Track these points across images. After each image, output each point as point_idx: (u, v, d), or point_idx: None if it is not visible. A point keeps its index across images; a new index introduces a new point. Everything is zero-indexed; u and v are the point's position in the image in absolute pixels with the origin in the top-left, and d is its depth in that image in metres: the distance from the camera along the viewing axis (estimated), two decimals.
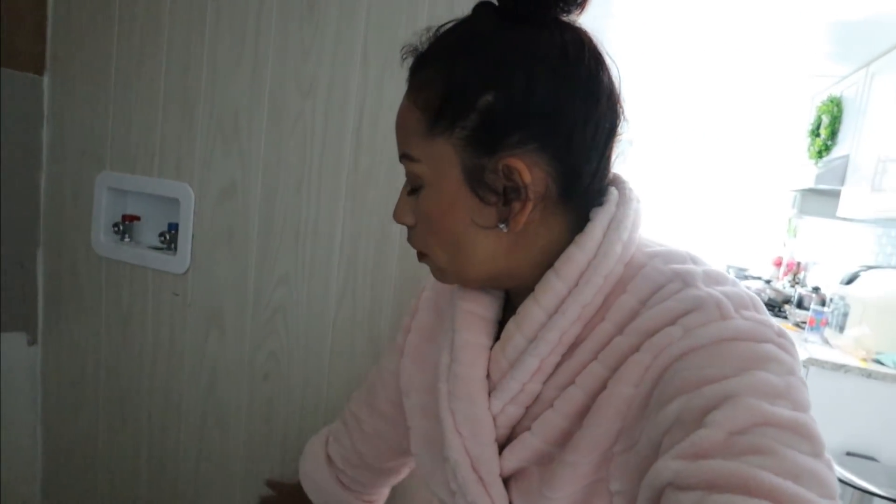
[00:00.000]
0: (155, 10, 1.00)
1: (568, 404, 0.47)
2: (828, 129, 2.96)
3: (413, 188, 0.50)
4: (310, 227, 0.93)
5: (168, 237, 1.05)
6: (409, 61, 0.50)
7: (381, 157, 0.87)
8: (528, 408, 0.51)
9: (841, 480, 1.79)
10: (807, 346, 2.23)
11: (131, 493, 1.14)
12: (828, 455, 0.35)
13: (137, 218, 1.11)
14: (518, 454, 0.50)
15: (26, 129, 1.12)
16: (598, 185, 0.50)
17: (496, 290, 0.56)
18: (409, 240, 0.53)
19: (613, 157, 0.50)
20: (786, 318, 2.85)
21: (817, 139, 3.07)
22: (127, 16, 1.03)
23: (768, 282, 3.56)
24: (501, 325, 0.55)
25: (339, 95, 0.88)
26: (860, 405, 2.01)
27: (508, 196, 0.46)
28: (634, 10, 2.42)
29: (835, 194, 2.86)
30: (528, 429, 0.49)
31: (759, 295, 3.11)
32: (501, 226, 0.47)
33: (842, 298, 2.35)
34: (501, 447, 0.52)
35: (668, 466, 0.35)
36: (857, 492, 1.76)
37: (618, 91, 0.48)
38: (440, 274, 0.53)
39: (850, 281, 2.35)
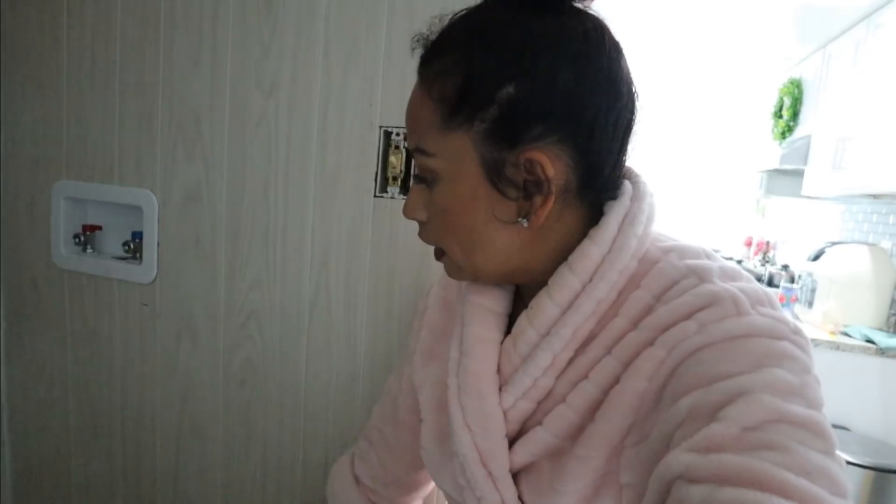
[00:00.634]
0: (105, 8, 0.96)
1: (580, 399, 0.47)
2: (790, 110, 3.04)
3: (427, 182, 0.49)
4: (279, 229, 0.91)
5: (132, 246, 1.02)
6: (419, 52, 0.49)
7: (349, 155, 0.86)
8: (539, 403, 0.50)
9: None
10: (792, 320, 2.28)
11: None
12: (839, 454, 0.35)
13: (99, 227, 1.07)
14: (529, 448, 0.50)
15: None
16: (616, 179, 0.49)
17: (507, 285, 0.56)
18: (422, 235, 0.52)
19: (630, 149, 0.49)
20: None
21: (780, 121, 3.14)
22: (76, 16, 0.98)
23: (740, 262, 3.64)
24: (511, 318, 0.55)
25: (302, 94, 0.86)
26: (830, 377, 2.07)
27: (529, 190, 0.45)
28: None
29: (799, 174, 2.94)
30: (540, 423, 0.49)
31: (743, 271, 3.19)
32: (522, 220, 0.46)
33: (809, 275, 2.41)
34: (512, 441, 0.51)
35: (680, 459, 0.34)
36: None
37: (635, 82, 0.47)
38: (457, 271, 0.52)
39: (816, 257, 2.42)
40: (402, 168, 0.83)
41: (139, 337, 1.03)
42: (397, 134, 0.83)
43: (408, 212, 0.51)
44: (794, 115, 3.03)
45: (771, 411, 0.34)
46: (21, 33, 1.03)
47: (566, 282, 0.47)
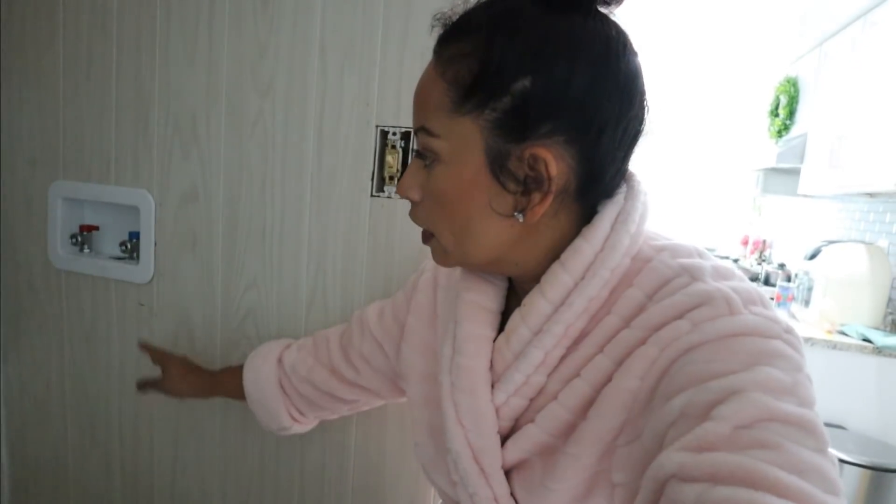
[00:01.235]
0: (101, 10, 0.96)
1: (573, 397, 0.47)
2: (786, 108, 3.05)
3: (427, 163, 0.48)
4: (276, 228, 0.91)
5: (129, 246, 1.02)
6: (437, 30, 0.48)
7: (345, 155, 0.86)
8: (532, 400, 0.51)
9: None
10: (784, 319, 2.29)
11: None
12: (831, 452, 0.35)
13: (96, 228, 1.07)
14: (521, 446, 0.50)
15: None
16: (615, 185, 0.49)
17: (500, 281, 0.56)
18: (413, 215, 0.52)
19: (633, 158, 0.50)
20: None
21: (776, 119, 3.15)
22: (72, 17, 0.98)
23: (736, 261, 3.65)
24: (504, 316, 0.55)
25: (298, 93, 0.86)
26: (827, 376, 2.07)
27: (529, 186, 0.45)
28: None
29: (795, 172, 2.94)
30: (532, 420, 0.49)
31: (736, 271, 3.19)
32: (517, 215, 0.46)
33: (806, 273, 2.42)
34: (505, 438, 0.52)
35: (672, 458, 0.34)
36: None
37: (648, 93, 0.48)
38: (443, 256, 0.51)
39: (812, 256, 2.43)
40: (399, 167, 0.83)
41: (136, 337, 1.02)
42: (394, 133, 0.83)
43: (402, 189, 0.51)
44: (791, 113, 3.04)
45: (763, 410, 0.34)
46: (18, 35, 1.03)
47: (558, 279, 0.48)
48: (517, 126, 0.43)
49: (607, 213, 0.48)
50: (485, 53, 0.43)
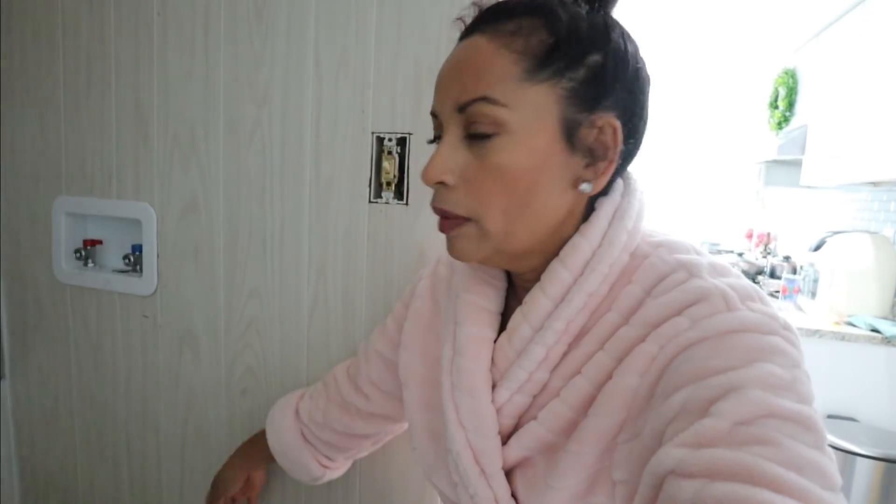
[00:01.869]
0: (99, 27, 0.97)
1: (574, 394, 0.47)
2: (785, 100, 3.04)
3: (475, 140, 0.46)
4: (276, 238, 0.91)
5: (132, 259, 1.03)
6: (472, 12, 0.50)
7: (342, 162, 0.86)
8: (535, 397, 0.51)
9: None
10: (781, 315, 2.28)
11: None
12: (829, 449, 0.35)
13: (99, 242, 1.08)
14: (523, 443, 0.51)
15: None
16: (618, 176, 0.51)
17: (499, 282, 0.57)
18: (445, 203, 0.48)
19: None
20: (760, 288, 2.91)
21: (776, 111, 3.14)
22: (71, 35, 1.00)
23: (741, 254, 3.64)
24: (504, 316, 0.56)
25: (294, 102, 0.87)
26: (837, 368, 2.06)
27: (596, 154, 0.47)
28: None
29: (797, 164, 2.93)
30: (535, 418, 0.50)
31: (732, 267, 3.18)
32: (586, 185, 0.47)
33: (811, 265, 2.41)
34: (508, 436, 0.52)
35: (671, 454, 0.34)
36: (840, 453, 1.81)
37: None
38: (475, 244, 0.48)
39: (817, 247, 2.42)
40: (396, 173, 0.84)
41: (141, 349, 1.03)
42: (389, 140, 0.84)
43: (434, 174, 0.47)
44: (790, 105, 3.03)
45: (762, 406, 0.35)
46: (18, 53, 1.05)
47: (558, 276, 0.48)
48: (591, 96, 0.45)
49: (605, 210, 0.49)
50: (555, 28, 0.45)
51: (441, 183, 0.48)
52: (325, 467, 0.81)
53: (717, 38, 3.18)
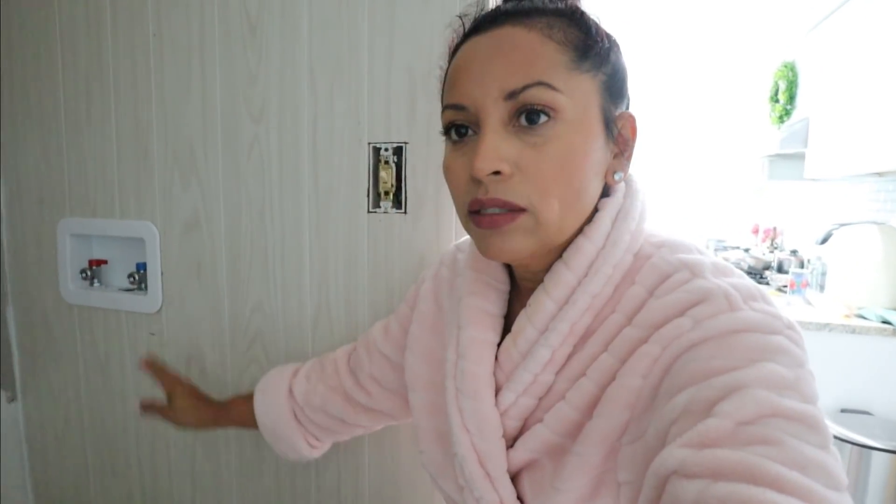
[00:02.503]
0: (97, 50, 0.99)
1: (579, 396, 0.47)
2: (785, 93, 3.03)
3: (532, 126, 0.44)
4: (277, 251, 0.92)
5: (137, 277, 1.04)
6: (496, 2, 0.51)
7: (340, 174, 0.87)
8: (541, 399, 0.51)
9: (839, 438, 1.81)
10: (789, 310, 2.26)
11: None
12: (834, 448, 0.35)
13: (104, 261, 1.10)
14: (529, 445, 0.51)
15: None
16: None
17: (502, 286, 0.57)
18: (502, 193, 0.45)
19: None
20: (768, 283, 2.89)
21: (777, 105, 3.13)
22: (70, 59, 1.01)
23: (747, 250, 3.61)
24: (507, 319, 0.56)
25: (290, 116, 0.88)
26: (849, 361, 2.04)
27: (620, 146, 0.50)
28: None
29: (800, 157, 2.91)
30: (541, 420, 0.50)
31: (739, 264, 3.16)
32: (618, 174, 0.50)
33: (819, 258, 2.39)
34: (515, 439, 0.52)
35: (674, 454, 0.34)
36: (855, 447, 1.79)
37: None
38: (529, 238, 0.46)
39: (824, 240, 2.40)
40: (393, 182, 0.84)
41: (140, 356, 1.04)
42: (386, 149, 0.84)
43: (491, 163, 0.44)
44: (791, 98, 3.02)
45: (765, 406, 0.34)
46: (19, 77, 1.07)
47: (562, 277, 0.49)
48: (616, 91, 0.48)
49: (608, 211, 0.49)
50: (585, 25, 0.47)
51: (497, 173, 0.44)
52: (313, 447, 0.81)
53: (715, 34, 3.18)
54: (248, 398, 0.81)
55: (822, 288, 2.35)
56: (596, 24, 0.48)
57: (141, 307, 1.03)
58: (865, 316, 2.12)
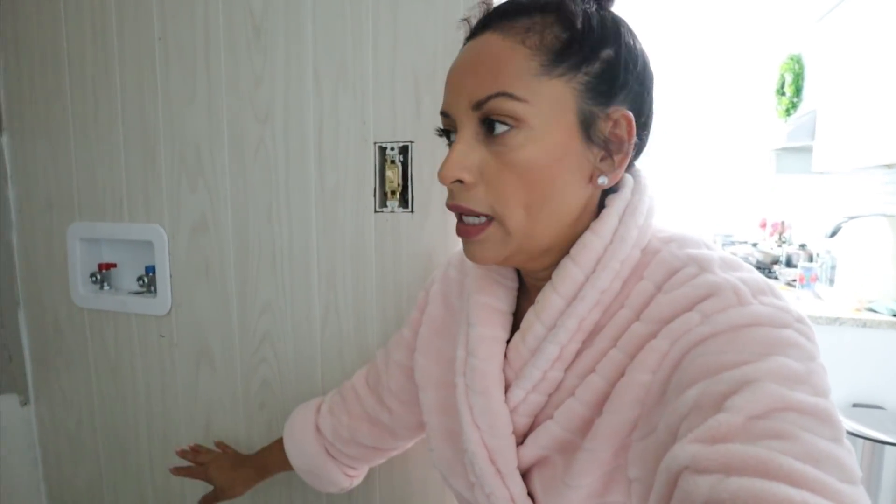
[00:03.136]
0: (103, 56, 0.99)
1: (588, 392, 0.47)
2: (792, 86, 3.00)
3: (494, 136, 0.46)
4: (285, 251, 0.92)
5: (146, 280, 1.04)
6: (481, 9, 0.51)
7: (346, 174, 0.87)
8: (550, 395, 0.51)
9: (851, 433, 1.80)
10: (799, 304, 2.24)
11: None
12: (848, 442, 0.35)
13: (114, 265, 1.10)
14: (540, 442, 0.51)
15: None
16: (630, 166, 0.52)
17: (510, 283, 0.57)
18: (466, 202, 0.48)
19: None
20: (776, 278, 2.87)
21: (783, 98, 3.10)
22: (77, 65, 1.02)
23: (755, 244, 3.59)
24: (516, 316, 0.56)
25: (295, 117, 0.88)
26: (860, 355, 2.02)
27: (610, 148, 0.47)
28: None
29: (808, 150, 2.89)
30: (551, 417, 0.50)
31: (747, 258, 3.14)
32: (602, 178, 0.48)
33: (828, 252, 2.37)
34: (525, 436, 0.52)
35: (685, 450, 0.34)
36: (867, 442, 1.77)
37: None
38: (498, 245, 0.48)
39: (833, 234, 2.38)
40: (399, 181, 0.85)
41: (159, 368, 1.05)
42: (392, 149, 0.84)
43: (451, 172, 0.46)
44: (797, 91, 3.00)
45: (777, 399, 0.34)
46: (27, 83, 1.07)
47: (569, 273, 0.49)
48: (606, 90, 0.46)
49: (615, 207, 0.49)
50: (570, 24, 0.45)
51: (459, 181, 0.47)
52: (351, 477, 0.82)
53: (720, 27, 3.16)
54: (279, 445, 0.83)
55: (831, 282, 2.33)
56: (586, 17, 0.45)
57: (150, 309, 1.03)
58: (876, 309, 2.10)
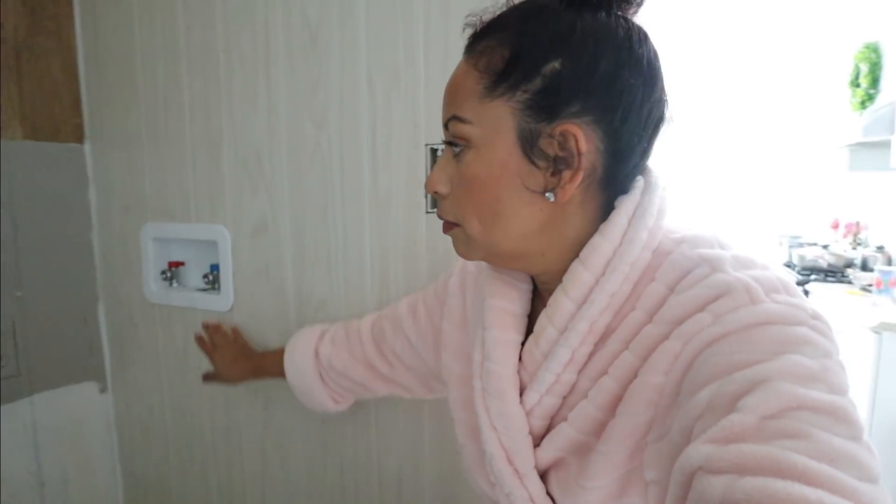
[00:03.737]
0: (173, 69, 1.06)
1: (602, 395, 0.47)
2: (868, 77, 2.81)
3: (455, 154, 0.50)
4: (340, 252, 0.95)
5: (211, 278, 1.10)
6: (468, 32, 0.51)
7: (398, 176, 0.89)
8: (564, 398, 0.51)
9: None
10: (876, 310, 2.10)
11: None
12: (868, 439, 0.34)
13: (182, 263, 1.17)
14: (555, 445, 0.51)
15: (74, 193, 1.20)
16: (635, 174, 0.50)
17: (524, 285, 0.57)
18: (440, 210, 0.53)
19: (655, 149, 0.51)
20: (850, 282, 2.70)
21: (858, 89, 2.91)
22: (149, 77, 1.09)
23: (825, 246, 3.38)
24: (531, 318, 0.57)
25: (350, 122, 0.91)
26: None
27: (559, 165, 0.46)
28: None
29: (885, 145, 2.69)
30: (565, 419, 0.50)
31: (817, 261, 2.96)
32: (549, 195, 0.47)
33: None
34: (542, 438, 0.53)
35: (699, 451, 0.34)
36: None
37: (668, 83, 0.49)
38: (466, 247, 0.52)
39: None
40: None
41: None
42: (442, 150, 0.85)
43: (430, 185, 0.52)
44: (874, 81, 2.80)
45: (791, 398, 0.34)
46: (105, 96, 1.16)
47: (579, 277, 0.48)
48: (548, 106, 0.45)
49: (624, 209, 0.48)
50: (516, 41, 0.45)
51: (437, 192, 0.52)
52: (338, 402, 0.89)
53: (789, 16, 3.00)
54: (279, 356, 0.89)
55: None
56: (532, 34, 0.45)
57: (214, 306, 1.09)
58: None
